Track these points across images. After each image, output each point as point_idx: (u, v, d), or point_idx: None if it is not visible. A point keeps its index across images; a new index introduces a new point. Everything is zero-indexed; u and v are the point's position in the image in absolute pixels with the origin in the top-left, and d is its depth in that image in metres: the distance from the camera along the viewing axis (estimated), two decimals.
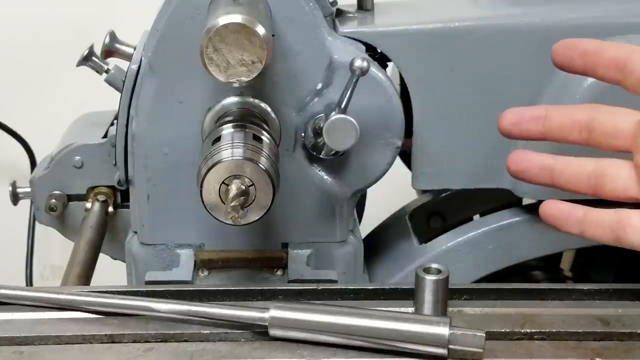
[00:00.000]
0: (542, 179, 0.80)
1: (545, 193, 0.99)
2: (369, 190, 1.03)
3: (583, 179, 0.77)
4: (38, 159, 1.29)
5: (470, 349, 0.68)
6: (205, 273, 0.97)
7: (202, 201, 0.81)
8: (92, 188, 1.07)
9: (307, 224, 0.97)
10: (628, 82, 0.74)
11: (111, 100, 1.05)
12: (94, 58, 1.06)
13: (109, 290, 0.79)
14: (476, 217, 1.15)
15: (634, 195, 0.75)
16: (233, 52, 0.78)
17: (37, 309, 0.77)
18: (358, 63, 0.85)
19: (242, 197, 0.80)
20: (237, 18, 0.77)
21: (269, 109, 0.91)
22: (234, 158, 0.81)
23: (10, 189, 1.14)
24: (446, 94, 0.98)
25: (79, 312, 0.76)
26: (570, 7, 0.98)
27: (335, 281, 0.95)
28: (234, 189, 0.79)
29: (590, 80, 0.94)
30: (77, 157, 1.06)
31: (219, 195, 0.80)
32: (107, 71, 1.06)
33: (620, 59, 0.75)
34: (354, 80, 0.86)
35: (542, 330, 0.73)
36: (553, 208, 0.79)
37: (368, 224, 1.17)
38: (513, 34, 0.96)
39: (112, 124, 1.11)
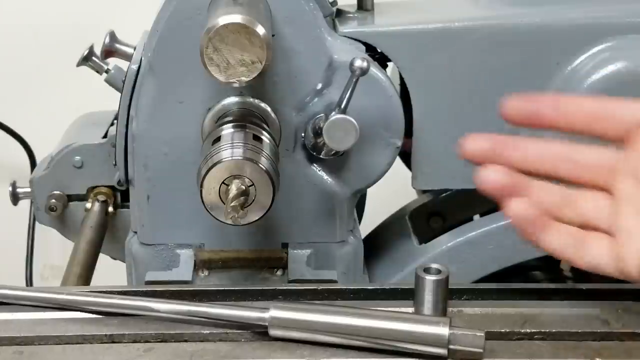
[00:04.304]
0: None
1: None
2: (369, 190, 1.03)
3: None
4: (38, 159, 1.29)
5: (470, 349, 0.69)
6: (205, 273, 0.97)
7: (202, 201, 0.81)
8: (92, 188, 1.07)
9: (307, 224, 0.97)
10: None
11: (111, 100, 1.05)
12: (94, 58, 1.06)
13: (109, 290, 0.79)
14: (476, 217, 1.15)
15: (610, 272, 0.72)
16: (233, 52, 0.78)
17: (37, 309, 0.77)
18: (358, 63, 0.85)
19: (242, 197, 0.80)
20: (237, 18, 0.77)
21: (269, 109, 0.91)
22: (234, 158, 0.81)
23: (10, 189, 1.14)
24: (446, 94, 0.98)
25: (79, 312, 0.76)
26: (570, 7, 0.98)
27: (335, 281, 0.95)
28: (234, 189, 0.80)
29: (591, 79, 0.94)
30: (77, 157, 1.06)
31: (219, 195, 0.80)
32: (107, 71, 1.06)
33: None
34: (354, 80, 0.86)
35: (542, 330, 0.73)
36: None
37: (368, 224, 1.17)
38: (513, 34, 0.96)
39: (112, 124, 1.11)
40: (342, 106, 0.88)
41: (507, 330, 0.73)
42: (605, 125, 0.72)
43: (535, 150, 0.74)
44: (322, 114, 0.91)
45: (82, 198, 1.08)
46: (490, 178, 0.72)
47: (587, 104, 0.73)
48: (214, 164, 0.81)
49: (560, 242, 0.72)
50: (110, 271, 1.12)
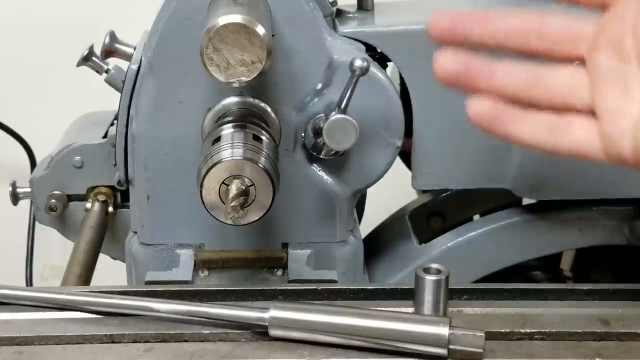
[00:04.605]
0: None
1: (546, 193, 0.99)
2: (369, 190, 1.03)
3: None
4: (38, 159, 1.29)
5: (470, 349, 0.69)
6: (205, 273, 0.97)
7: (202, 201, 0.81)
8: (92, 188, 1.07)
9: (307, 224, 0.97)
10: None
11: (111, 100, 1.05)
12: (94, 58, 1.06)
13: (109, 290, 0.79)
14: (476, 217, 1.15)
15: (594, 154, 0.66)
16: (233, 52, 0.78)
17: (37, 309, 0.77)
18: (358, 63, 0.85)
19: (242, 197, 0.80)
20: (237, 18, 0.77)
21: (269, 109, 0.91)
22: (234, 158, 0.81)
23: (10, 189, 1.14)
24: (446, 94, 0.97)
25: (79, 312, 0.76)
26: (570, 7, 0.98)
27: (335, 281, 0.95)
28: (234, 189, 0.80)
29: None
30: (77, 157, 1.06)
31: (219, 195, 0.80)
32: (107, 71, 1.06)
33: None
34: (354, 80, 0.86)
35: (542, 330, 0.73)
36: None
37: (368, 224, 1.17)
38: None
39: (112, 124, 1.11)
40: (342, 106, 0.88)
41: (507, 330, 0.73)
42: None
43: (502, 23, 0.67)
44: (322, 114, 0.91)
45: (82, 198, 1.08)
46: (445, 66, 0.67)
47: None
48: (214, 164, 0.81)
49: (534, 130, 0.66)
50: (110, 271, 1.12)
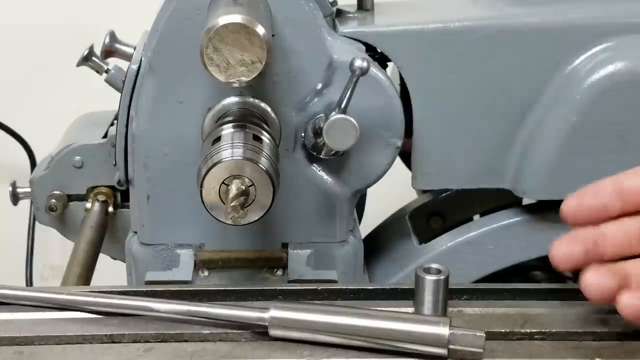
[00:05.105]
0: None
1: (546, 193, 0.99)
2: (369, 190, 1.03)
3: None
4: (38, 159, 1.29)
5: (470, 349, 0.68)
6: (205, 273, 0.97)
7: (202, 201, 0.81)
8: (92, 188, 1.07)
9: (307, 224, 0.97)
10: None
11: (111, 100, 1.05)
12: (94, 58, 1.06)
13: (109, 290, 0.79)
14: (476, 217, 1.15)
15: None
16: (233, 52, 0.78)
17: (37, 309, 0.77)
18: (358, 63, 0.85)
19: (242, 197, 0.80)
20: (237, 18, 0.77)
21: (269, 109, 0.91)
22: (234, 158, 0.81)
23: (10, 189, 1.14)
24: (446, 94, 0.98)
25: (79, 312, 0.76)
26: (570, 7, 0.98)
27: (335, 281, 0.95)
28: (234, 189, 0.79)
29: (591, 79, 0.94)
30: (77, 157, 1.06)
31: (219, 195, 0.80)
32: (107, 71, 1.06)
33: None
34: (354, 80, 0.86)
35: (542, 330, 0.73)
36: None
37: (368, 224, 1.17)
38: (513, 34, 0.96)
39: (112, 124, 1.11)
40: (342, 106, 0.88)
41: (507, 330, 0.73)
42: None
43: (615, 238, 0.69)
44: (322, 114, 0.91)
45: (82, 198, 1.08)
46: (597, 284, 0.67)
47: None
48: (214, 164, 0.81)
49: None
50: (110, 271, 1.12)
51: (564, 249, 0.68)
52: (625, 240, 0.69)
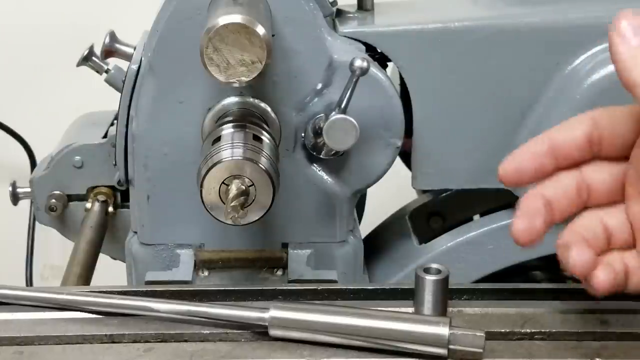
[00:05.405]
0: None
1: None
2: (369, 190, 1.03)
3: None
4: (38, 159, 1.29)
5: (470, 349, 0.68)
6: (205, 273, 0.97)
7: (202, 201, 0.81)
8: (92, 188, 1.07)
9: (307, 224, 0.97)
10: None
11: (111, 100, 1.05)
12: (94, 58, 1.06)
13: (109, 290, 0.79)
14: (476, 217, 1.15)
15: None
16: (233, 52, 0.78)
17: (37, 309, 0.77)
18: (358, 63, 0.85)
19: (242, 197, 0.80)
20: (237, 18, 0.77)
21: (269, 109, 0.91)
22: (234, 158, 0.81)
23: (10, 189, 1.14)
24: (446, 94, 0.98)
25: (79, 312, 0.76)
26: (570, 7, 0.98)
27: (335, 281, 0.95)
28: (234, 189, 0.79)
29: (591, 79, 0.94)
30: (77, 157, 1.06)
31: (219, 195, 0.80)
32: (107, 71, 1.06)
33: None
34: (354, 80, 0.86)
35: (542, 330, 0.73)
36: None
37: (368, 224, 1.17)
38: (513, 34, 0.96)
39: (112, 124, 1.11)
40: (342, 106, 0.88)
41: (507, 330, 0.73)
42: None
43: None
44: (322, 114, 0.91)
45: (82, 198, 1.08)
46: (579, 261, 0.68)
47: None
48: (214, 164, 0.81)
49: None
50: (110, 271, 1.12)
51: (525, 224, 0.69)
52: (564, 200, 0.71)
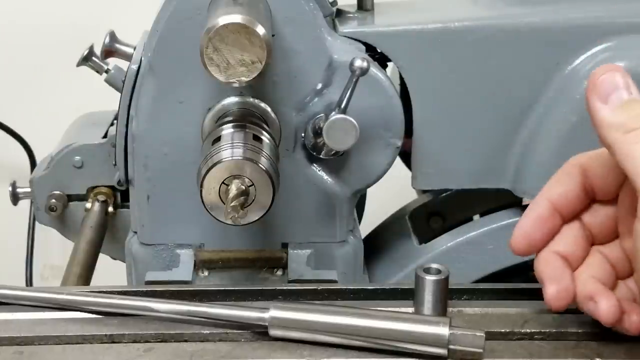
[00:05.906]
0: None
1: None
2: (369, 190, 1.03)
3: None
4: (38, 159, 1.29)
5: (470, 349, 0.68)
6: (205, 273, 0.97)
7: (202, 201, 0.81)
8: (92, 188, 1.07)
9: (307, 224, 0.97)
10: None
11: (111, 100, 1.05)
12: (94, 58, 1.06)
13: (109, 290, 0.79)
14: (476, 217, 1.15)
15: None
16: (233, 52, 0.78)
17: (37, 309, 0.77)
18: (358, 63, 0.85)
19: (242, 197, 0.80)
20: (237, 18, 0.77)
21: (269, 109, 0.91)
22: (234, 158, 0.81)
23: (10, 189, 1.14)
24: (446, 94, 0.98)
25: (79, 312, 0.76)
26: (570, 7, 0.98)
27: (335, 281, 0.95)
28: (234, 189, 0.79)
29: None
30: (77, 157, 1.06)
31: (219, 195, 0.80)
32: (107, 71, 1.06)
33: None
34: (354, 80, 0.86)
35: (542, 330, 0.73)
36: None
37: (368, 224, 1.17)
38: (513, 34, 0.96)
39: (112, 124, 1.11)
40: (342, 106, 0.88)
41: (507, 330, 0.73)
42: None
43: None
44: (322, 114, 0.91)
45: (82, 198, 1.08)
46: (612, 313, 0.69)
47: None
48: (214, 164, 0.81)
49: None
50: (110, 271, 1.12)
51: (556, 288, 0.71)
52: (578, 250, 0.72)
